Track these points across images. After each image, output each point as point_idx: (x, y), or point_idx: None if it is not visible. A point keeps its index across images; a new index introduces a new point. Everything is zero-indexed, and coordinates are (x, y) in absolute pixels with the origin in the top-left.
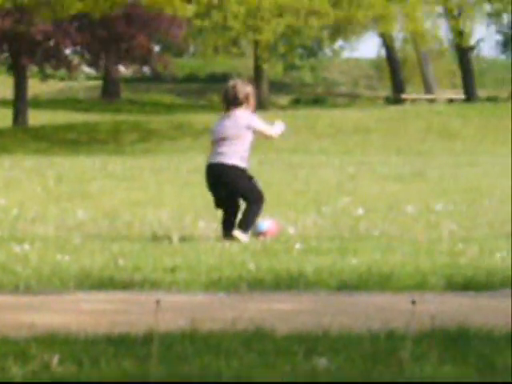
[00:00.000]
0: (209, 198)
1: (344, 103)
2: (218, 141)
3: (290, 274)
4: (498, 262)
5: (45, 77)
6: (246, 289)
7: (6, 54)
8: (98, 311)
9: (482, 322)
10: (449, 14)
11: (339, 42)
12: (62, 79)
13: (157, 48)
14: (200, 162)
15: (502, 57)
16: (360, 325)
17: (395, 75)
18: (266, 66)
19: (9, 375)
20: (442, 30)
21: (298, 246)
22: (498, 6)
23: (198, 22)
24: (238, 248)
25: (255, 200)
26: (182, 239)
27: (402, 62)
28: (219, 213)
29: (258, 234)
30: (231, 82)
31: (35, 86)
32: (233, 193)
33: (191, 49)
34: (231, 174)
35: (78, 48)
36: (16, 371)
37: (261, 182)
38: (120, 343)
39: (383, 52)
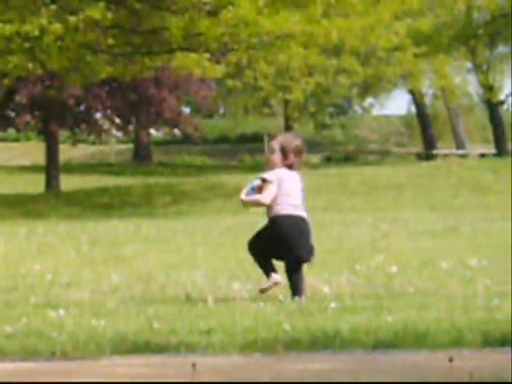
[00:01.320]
0: (242, 258)
1: (375, 160)
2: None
3: (325, 333)
4: None
5: (75, 141)
6: (282, 349)
7: (37, 120)
8: (135, 375)
9: None
10: (477, 69)
11: (369, 100)
12: (94, 143)
13: (187, 110)
14: (232, 222)
15: None
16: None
17: (426, 131)
18: (296, 125)
19: None
20: (472, 85)
21: (332, 305)
22: None
23: (229, 83)
24: (274, 309)
25: None
26: (217, 301)
27: (432, 117)
28: (253, 273)
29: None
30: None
31: (67, 151)
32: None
33: (221, 109)
34: None
35: (108, 112)
36: None
37: None
38: None
39: (413, 108)
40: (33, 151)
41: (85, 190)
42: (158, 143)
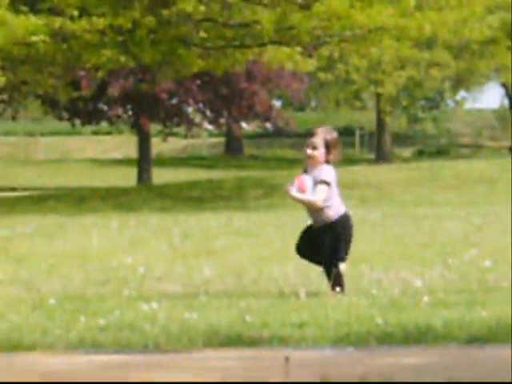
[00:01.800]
0: None
1: (468, 154)
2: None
3: (418, 327)
4: None
5: (167, 136)
6: (375, 343)
7: (129, 113)
8: (228, 368)
9: None
10: None
11: (461, 93)
12: (185, 137)
13: (278, 103)
14: None
15: None
16: (491, 378)
17: None
18: (388, 119)
19: None
20: None
21: (425, 299)
22: None
23: (321, 76)
24: (366, 302)
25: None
26: (309, 295)
27: None
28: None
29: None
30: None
31: (159, 144)
32: None
33: (313, 103)
34: None
35: (200, 105)
36: None
37: (386, 236)
38: None
39: (506, 102)
40: (125, 144)
41: (177, 183)
42: (250, 136)
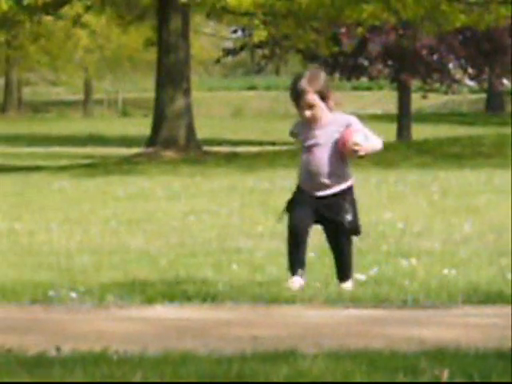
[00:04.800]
0: None
1: None
2: None
3: None
4: None
5: (426, 93)
6: None
7: (390, 69)
8: (488, 326)
9: None
10: None
11: None
12: (446, 93)
13: None
14: None
15: None
16: None
17: None
18: None
19: None
20: None
21: None
22: None
23: None
24: None
25: None
26: None
27: None
28: None
29: None
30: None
31: (418, 100)
32: None
33: None
34: None
35: (461, 61)
36: None
37: None
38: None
39: None
40: (385, 100)
41: (436, 139)
42: None
